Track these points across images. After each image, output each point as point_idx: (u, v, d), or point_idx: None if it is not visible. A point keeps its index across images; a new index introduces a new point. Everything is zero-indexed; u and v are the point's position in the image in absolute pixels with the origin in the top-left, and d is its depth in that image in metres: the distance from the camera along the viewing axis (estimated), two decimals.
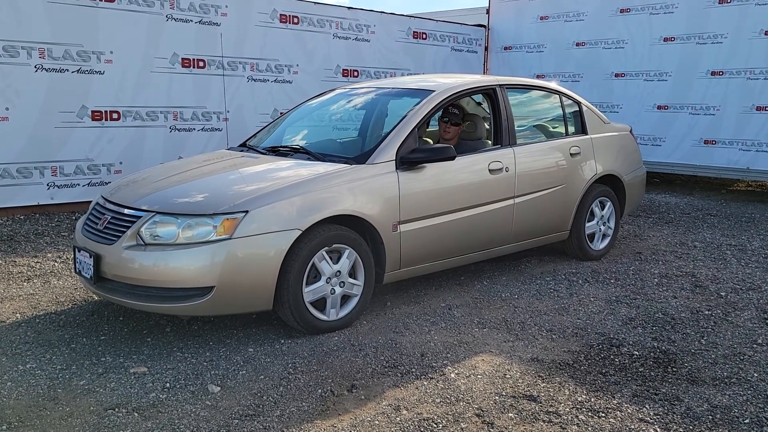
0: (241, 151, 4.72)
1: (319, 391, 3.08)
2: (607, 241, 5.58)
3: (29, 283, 4.67)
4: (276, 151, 4.50)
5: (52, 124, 6.84)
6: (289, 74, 8.74)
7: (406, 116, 4.28)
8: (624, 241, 6.23)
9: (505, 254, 4.91)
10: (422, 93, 4.54)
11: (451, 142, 4.84)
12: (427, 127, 5.31)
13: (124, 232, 3.52)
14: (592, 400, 3.03)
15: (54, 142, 6.88)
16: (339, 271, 3.75)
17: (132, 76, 7.35)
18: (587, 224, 5.35)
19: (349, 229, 3.81)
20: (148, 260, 3.41)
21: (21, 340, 3.65)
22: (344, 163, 4.03)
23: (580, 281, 4.87)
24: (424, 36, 10.40)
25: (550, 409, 2.94)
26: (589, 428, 2.78)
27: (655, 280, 4.92)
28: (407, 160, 4.08)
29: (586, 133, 5.39)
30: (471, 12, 12.88)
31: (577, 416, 2.88)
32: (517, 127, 4.89)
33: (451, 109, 4.86)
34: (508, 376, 3.27)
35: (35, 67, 6.68)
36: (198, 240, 3.40)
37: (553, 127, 5.36)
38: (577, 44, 10.36)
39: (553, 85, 5.52)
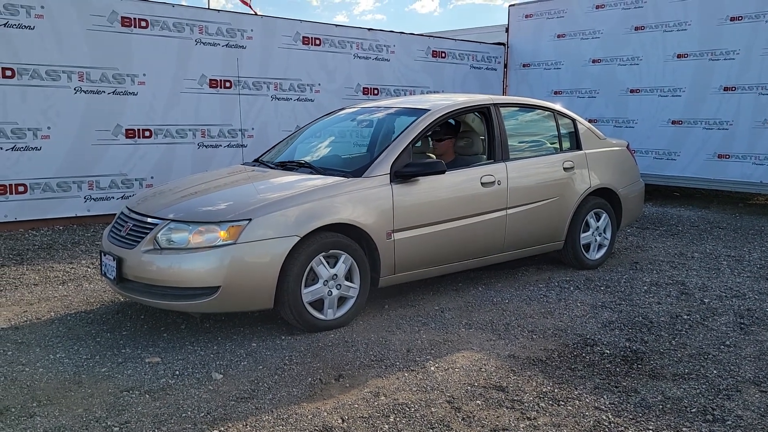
0: (254, 166, 5.15)
1: (309, 379, 3.44)
2: (603, 251, 5.83)
3: (64, 286, 5.15)
4: (284, 166, 4.91)
5: (89, 142, 7.42)
6: (311, 93, 9.20)
7: (401, 134, 4.66)
8: (625, 251, 6.46)
9: (499, 262, 5.21)
10: (419, 112, 4.90)
11: (446, 157, 5.18)
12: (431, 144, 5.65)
13: (143, 238, 3.96)
14: (556, 390, 3.32)
15: (91, 159, 7.45)
16: (336, 275, 4.11)
17: (163, 96, 7.90)
18: (582, 235, 5.62)
19: (345, 237, 4.17)
20: (163, 263, 3.83)
21: (53, 334, 4.10)
22: (342, 177, 4.40)
23: (572, 288, 5.14)
24: (443, 54, 10.78)
25: (515, 398, 3.24)
26: (547, 414, 3.07)
27: (645, 287, 5.16)
28: (401, 174, 4.43)
29: (581, 149, 5.68)
30: (490, 30, 13.22)
31: (538, 404, 3.17)
32: (511, 143, 5.21)
33: (436, 127, 5.10)
34: (483, 369, 3.58)
35: (74, 89, 7.27)
36: (207, 245, 3.80)
37: (549, 143, 5.66)
38: (593, 61, 10.61)
39: (547, 104, 5.84)
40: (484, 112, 5.17)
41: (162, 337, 4.04)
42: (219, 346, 3.91)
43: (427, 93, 10.37)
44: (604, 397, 3.25)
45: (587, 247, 5.71)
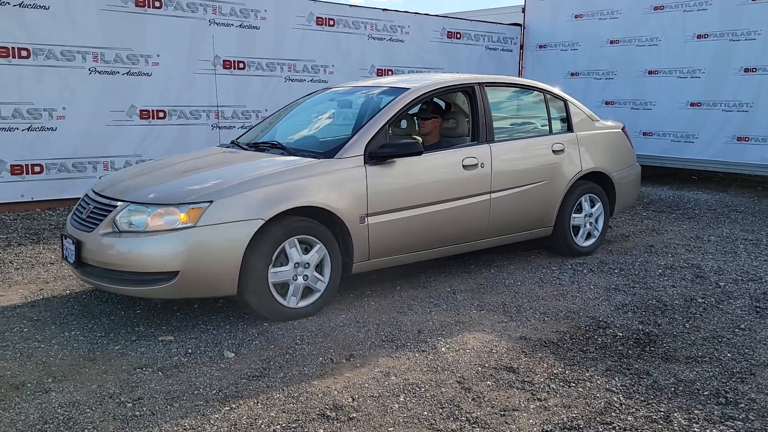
0: (228, 147, 4.98)
1: (320, 359, 3.46)
2: (595, 238, 5.62)
3: None
4: (256, 147, 4.73)
5: (104, 122, 7.46)
6: (325, 74, 9.17)
7: (376, 113, 4.47)
8: (640, 234, 6.40)
9: (483, 248, 5.04)
10: (397, 91, 4.71)
11: (430, 138, 5.02)
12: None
13: (102, 220, 3.81)
14: (567, 372, 3.31)
15: (105, 139, 7.49)
16: (308, 263, 3.96)
17: (177, 77, 7.91)
18: (573, 217, 5.41)
19: (315, 221, 4.00)
20: (121, 246, 3.69)
21: (68, 312, 4.15)
22: (313, 158, 4.23)
23: (585, 271, 5.10)
24: (459, 35, 10.67)
25: (526, 379, 3.23)
26: (558, 395, 3.07)
27: (659, 270, 5.11)
28: (376, 155, 4.25)
29: (572, 131, 5.47)
30: (506, 11, 13.06)
31: (549, 385, 3.17)
32: (498, 124, 5.02)
33: (423, 105, 5.05)
34: (494, 351, 3.57)
35: (89, 69, 7.30)
36: (165, 228, 3.66)
37: (538, 125, 5.45)
38: (611, 42, 10.45)
39: (538, 83, 5.60)
40: (468, 91, 4.95)
41: (175, 316, 4.07)
42: (231, 325, 3.94)
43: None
44: (616, 379, 3.23)
45: (578, 232, 5.48)
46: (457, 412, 2.90)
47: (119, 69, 7.49)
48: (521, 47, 11.60)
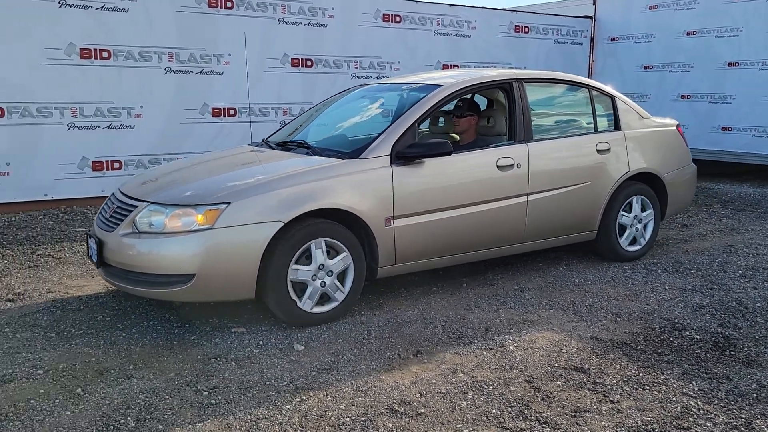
0: (256, 146, 4.88)
1: (388, 354, 3.48)
2: (644, 241, 5.30)
3: None
4: (284, 146, 4.65)
5: (179, 120, 7.71)
6: (391, 71, 9.19)
7: (405, 112, 4.32)
8: (718, 234, 6.14)
9: (520, 253, 4.82)
10: (429, 88, 4.55)
11: (466, 136, 4.84)
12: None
13: (123, 220, 3.80)
14: (641, 374, 3.22)
15: (180, 136, 7.75)
16: (331, 271, 3.84)
17: (247, 76, 8.09)
18: (620, 220, 5.13)
19: (338, 224, 3.87)
20: (139, 247, 3.66)
21: (147, 302, 4.31)
22: (337, 158, 4.10)
23: (659, 271, 4.94)
24: (526, 29, 10.49)
25: (597, 380, 3.16)
26: (631, 398, 2.99)
27: (740, 271, 4.90)
28: (403, 155, 4.09)
29: (619, 129, 5.19)
30: (577, 3, 12.73)
31: (622, 387, 3.09)
32: (537, 122, 4.83)
33: (458, 102, 4.86)
34: (564, 351, 3.51)
35: (165, 69, 7.57)
36: (183, 229, 3.60)
37: (582, 123, 5.22)
38: (688, 33, 10.04)
39: (582, 79, 5.34)
40: (505, 87, 4.74)
41: (246, 309, 4.18)
42: None
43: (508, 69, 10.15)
44: (693, 383, 3.12)
45: (624, 233, 5.17)
46: (526, 412, 2.87)
47: (193, 68, 7.73)
48: (592, 40, 11.30)
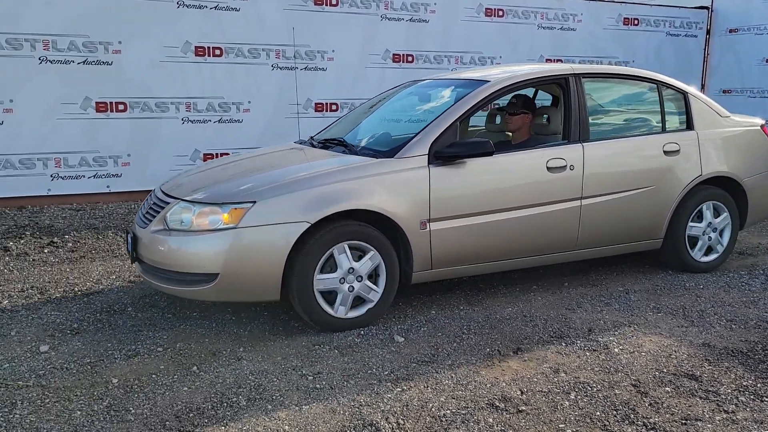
0: (301, 144, 4.80)
1: (488, 350, 3.48)
2: (719, 252, 4.86)
3: None
4: (324, 144, 4.51)
5: (284, 115, 8.00)
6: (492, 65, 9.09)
7: (447, 109, 4.10)
8: None
9: (572, 261, 4.54)
10: (474, 84, 4.32)
11: (519, 135, 4.63)
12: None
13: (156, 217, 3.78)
14: (758, 385, 3.04)
15: (284, 131, 8.00)
16: (360, 276, 3.71)
17: (349, 71, 8.27)
18: (691, 228, 4.74)
19: (370, 226, 3.72)
20: (166, 244, 3.63)
21: None
22: (372, 157, 3.95)
23: None
24: (636, 22, 10.08)
25: (710, 389, 3.01)
26: (748, 409, 2.83)
27: None
28: (442, 155, 3.88)
29: (692, 128, 4.76)
30: None
31: (737, 397, 2.93)
32: (596, 120, 4.53)
33: (512, 99, 4.63)
34: (673, 356, 3.37)
35: (272, 66, 7.86)
36: (209, 228, 3.53)
37: (649, 121, 4.83)
38: None
39: (650, 74, 4.85)
40: (561, 83, 4.44)
41: None
42: (400, 311, 4.08)
43: (614, 64, 9.79)
44: None
45: (694, 245, 4.78)
46: (632, 416, 2.79)
47: (298, 65, 7.99)
48: (708, 32, 10.68)
